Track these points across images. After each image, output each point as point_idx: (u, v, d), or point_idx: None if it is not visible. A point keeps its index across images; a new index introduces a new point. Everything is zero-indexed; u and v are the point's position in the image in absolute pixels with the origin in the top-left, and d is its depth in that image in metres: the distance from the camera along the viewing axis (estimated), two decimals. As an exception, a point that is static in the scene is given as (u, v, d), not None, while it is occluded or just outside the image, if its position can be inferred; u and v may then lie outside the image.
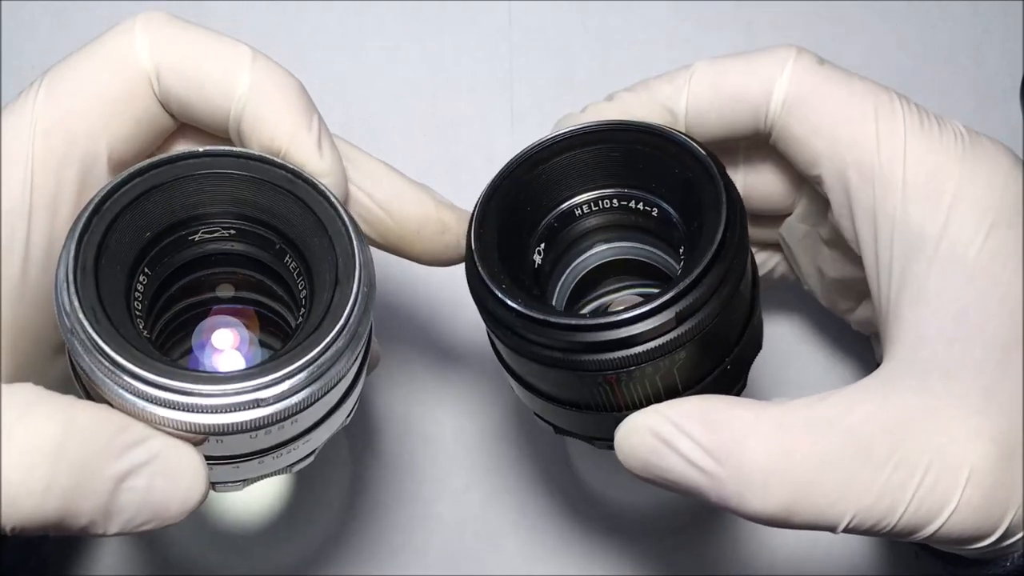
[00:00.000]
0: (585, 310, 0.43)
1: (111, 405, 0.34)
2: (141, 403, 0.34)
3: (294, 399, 0.34)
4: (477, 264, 0.39)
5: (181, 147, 0.40)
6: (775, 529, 0.53)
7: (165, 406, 0.34)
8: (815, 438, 0.37)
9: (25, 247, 0.37)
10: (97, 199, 0.36)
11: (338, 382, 0.36)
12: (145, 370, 0.34)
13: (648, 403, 0.38)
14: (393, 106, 0.53)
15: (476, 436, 0.53)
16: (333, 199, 0.37)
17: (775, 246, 0.48)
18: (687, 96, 0.42)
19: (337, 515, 0.52)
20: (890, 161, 0.39)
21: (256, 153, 0.38)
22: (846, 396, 0.38)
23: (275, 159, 0.38)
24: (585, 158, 0.41)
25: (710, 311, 0.37)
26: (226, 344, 0.39)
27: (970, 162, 0.39)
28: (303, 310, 0.37)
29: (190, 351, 0.39)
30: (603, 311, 0.43)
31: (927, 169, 0.39)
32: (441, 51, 0.54)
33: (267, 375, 0.34)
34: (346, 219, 0.37)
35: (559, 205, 0.42)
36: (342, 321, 0.35)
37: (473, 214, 0.40)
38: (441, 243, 0.41)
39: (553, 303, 0.42)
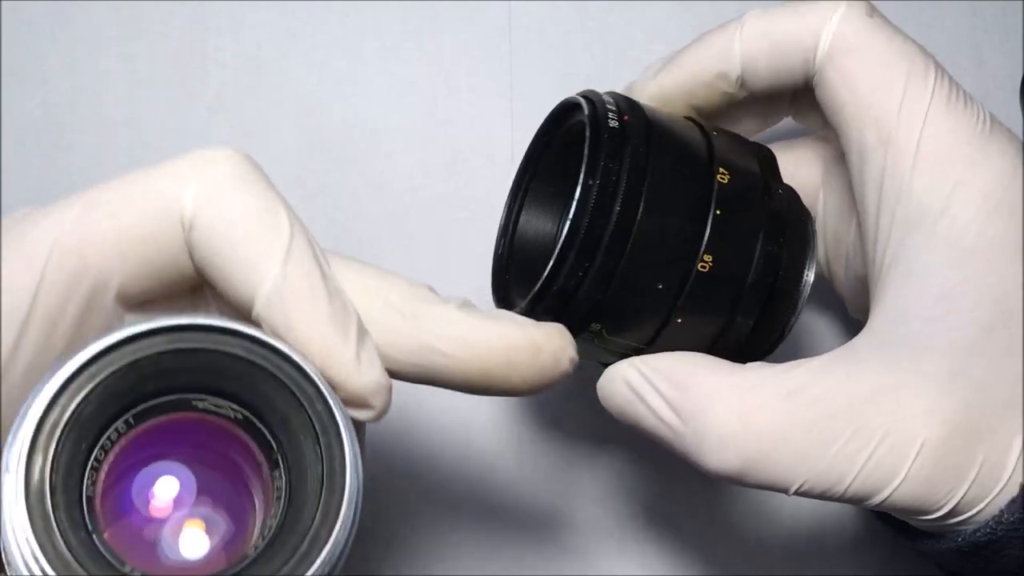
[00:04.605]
0: None
1: None
2: None
3: None
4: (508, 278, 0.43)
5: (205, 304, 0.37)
6: (774, 527, 0.53)
7: None
8: (775, 408, 0.39)
9: (12, 352, 0.34)
10: (110, 343, 0.32)
11: None
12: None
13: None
14: (393, 106, 0.53)
15: (476, 437, 0.53)
16: (348, 455, 0.33)
17: None
18: (739, 45, 0.42)
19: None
20: (908, 127, 0.40)
21: (300, 363, 0.33)
22: (813, 367, 0.40)
23: (315, 378, 0.33)
24: None
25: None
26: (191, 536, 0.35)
27: (984, 146, 0.40)
28: (268, 532, 0.33)
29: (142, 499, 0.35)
30: None
31: (941, 143, 0.40)
32: (441, 51, 0.54)
33: None
34: (349, 480, 0.33)
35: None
36: None
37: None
38: (538, 369, 0.37)
39: None
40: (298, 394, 0.33)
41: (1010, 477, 0.39)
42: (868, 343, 0.40)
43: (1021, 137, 0.44)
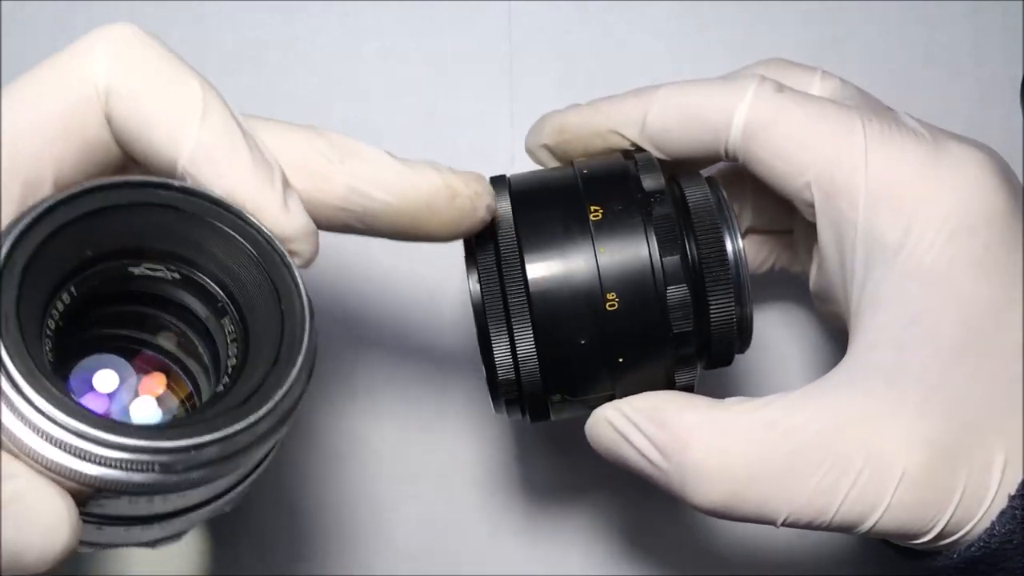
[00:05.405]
0: None
1: None
2: (27, 434, 0.31)
3: (196, 473, 0.31)
4: None
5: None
6: (768, 534, 0.53)
7: (53, 444, 0.31)
8: (754, 442, 0.39)
9: None
10: (48, 204, 0.33)
11: (245, 466, 0.33)
12: (42, 397, 0.30)
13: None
14: (393, 106, 0.53)
15: (476, 437, 0.53)
16: (296, 275, 0.35)
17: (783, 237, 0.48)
18: (653, 112, 0.43)
19: (333, 515, 0.52)
20: (851, 176, 0.40)
21: (234, 206, 0.35)
22: (790, 400, 0.40)
23: (251, 218, 0.35)
24: None
25: None
26: (126, 391, 0.36)
27: (933, 170, 0.40)
28: (225, 379, 0.35)
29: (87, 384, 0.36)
30: None
31: (888, 180, 0.40)
32: (441, 51, 0.54)
33: (173, 440, 0.31)
34: (304, 299, 0.35)
35: None
36: (270, 404, 0.32)
37: None
38: (456, 211, 0.39)
39: None
40: (237, 234, 0.35)
41: (996, 493, 0.39)
42: (844, 372, 0.40)
43: (1021, 138, 0.44)
